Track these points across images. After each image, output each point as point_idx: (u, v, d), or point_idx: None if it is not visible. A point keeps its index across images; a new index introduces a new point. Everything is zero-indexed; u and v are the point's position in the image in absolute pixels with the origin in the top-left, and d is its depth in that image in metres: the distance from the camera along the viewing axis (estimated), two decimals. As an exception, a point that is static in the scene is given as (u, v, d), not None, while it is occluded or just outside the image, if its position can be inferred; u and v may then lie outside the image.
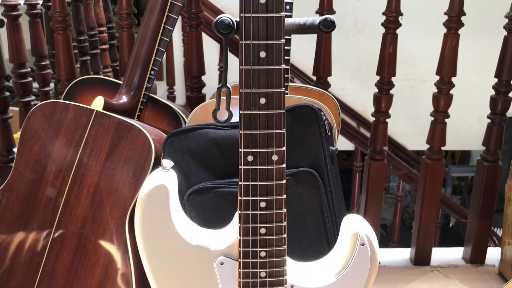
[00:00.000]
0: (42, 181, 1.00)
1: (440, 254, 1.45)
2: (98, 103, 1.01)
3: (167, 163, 0.65)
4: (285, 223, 0.66)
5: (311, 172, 0.92)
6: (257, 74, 0.59)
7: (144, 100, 1.08)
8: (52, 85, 1.43)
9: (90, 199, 0.97)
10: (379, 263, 1.38)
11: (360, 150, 2.46)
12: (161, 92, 2.65)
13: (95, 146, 0.98)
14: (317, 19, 0.66)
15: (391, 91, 1.28)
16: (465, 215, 2.45)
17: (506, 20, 1.24)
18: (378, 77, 1.28)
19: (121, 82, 1.09)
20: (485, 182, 1.33)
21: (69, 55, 1.21)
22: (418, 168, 2.44)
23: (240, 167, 0.63)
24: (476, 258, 1.41)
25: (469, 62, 2.31)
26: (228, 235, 0.69)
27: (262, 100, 0.60)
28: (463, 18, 1.21)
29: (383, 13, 1.22)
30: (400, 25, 1.23)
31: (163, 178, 0.64)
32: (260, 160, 0.63)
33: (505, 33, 1.25)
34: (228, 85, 0.59)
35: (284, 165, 0.64)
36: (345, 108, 2.64)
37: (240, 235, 0.65)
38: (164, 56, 2.65)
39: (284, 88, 0.60)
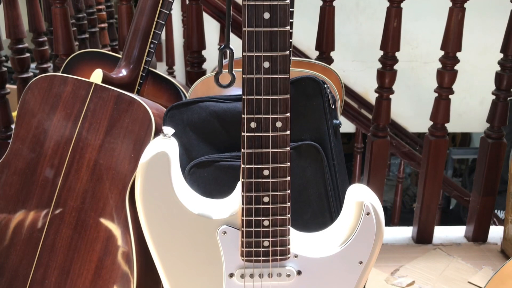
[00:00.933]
0: (40, 156, 0.99)
1: (442, 233, 1.44)
2: (97, 76, 0.99)
3: (168, 130, 0.64)
4: (289, 191, 0.64)
5: (314, 146, 0.91)
6: (260, 37, 0.57)
7: (144, 74, 1.06)
8: (51, 65, 1.41)
9: (89, 173, 0.95)
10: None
11: (362, 132, 2.44)
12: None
13: (94, 120, 0.96)
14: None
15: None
16: (466, 196, 2.45)
17: (508, 1, 1.21)
18: (379, 58, 1.26)
19: (120, 56, 1.06)
20: (488, 160, 1.32)
21: (67, 29, 1.19)
22: (419, 150, 2.42)
23: (243, 134, 0.61)
24: (479, 236, 1.40)
25: (471, 43, 2.28)
26: (231, 204, 0.67)
27: (266, 64, 0.58)
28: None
29: (387, -14, 1.20)
30: (404, -2, 1.21)
31: (164, 145, 0.63)
32: (263, 127, 0.61)
33: (512, 7, 1.23)
34: (231, 46, 0.57)
35: (288, 132, 0.62)
36: (346, 90, 2.61)
37: (243, 204, 0.64)
38: (164, 37, 2.64)
39: (288, 52, 0.58)
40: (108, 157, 0.94)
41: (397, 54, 1.26)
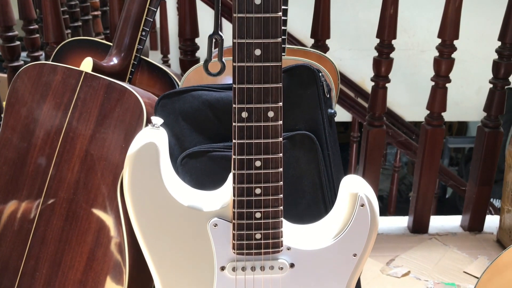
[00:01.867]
0: (30, 146, 0.97)
1: (438, 222, 1.44)
2: (87, 65, 0.97)
3: (157, 120, 0.62)
4: (281, 183, 0.63)
5: (308, 135, 0.89)
6: (251, 23, 0.55)
7: (136, 63, 1.04)
8: (42, 53, 1.38)
9: (80, 164, 0.94)
10: (377, 231, 1.36)
11: (358, 121, 2.43)
12: (155, 61, 2.59)
13: (84, 109, 0.95)
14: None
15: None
16: (463, 185, 2.44)
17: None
18: (376, 46, 1.24)
19: (112, 44, 1.04)
20: (485, 149, 1.31)
21: (57, 16, 1.16)
22: (416, 140, 2.42)
23: (234, 124, 0.59)
24: (474, 225, 1.39)
25: (468, 32, 2.27)
26: (222, 196, 0.66)
27: (257, 52, 0.56)
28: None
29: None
30: (401, -16, 1.19)
31: (153, 136, 0.61)
32: (255, 117, 0.59)
33: (510, -6, 1.21)
34: (220, 33, 0.55)
35: (281, 122, 0.60)
36: (343, 79, 2.59)
37: (234, 196, 0.62)
38: (158, 25, 2.60)
39: (281, 39, 0.56)
40: (99, 147, 0.92)
41: (393, 42, 1.24)
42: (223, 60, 0.58)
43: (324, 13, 1.18)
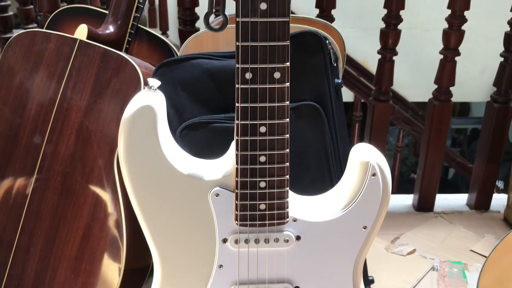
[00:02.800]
0: (23, 118, 0.93)
1: (444, 201, 1.40)
2: (81, 32, 0.92)
3: (153, 82, 0.58)
4: (288, 150, 0.59)
5: (314, 106, 0.85)
6: (257, -27, 0.51)
7: (133, 32, 1.00)
8: (37, 25, 1.33)
9: (75, 136, 0.90)
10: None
11: (361, 101, 2.38)
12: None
13: (79, 78, 0.91)
14: None
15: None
16: (465, 166, 2.41)
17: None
18: (383, 17, 1.19)
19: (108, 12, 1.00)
20: (494, 125, 1.27)
21: (50, -17, 1.11)
22: (419, 121, 2.38)
23: (237, 85, 0.55)
24: (481, 204, 1.36)
25: (473, 10, 2.21)
26: (224, 165, 0.62)
27: (263, 5, 0.52)
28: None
29: None
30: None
31: (150, 99, 0.57)
32: (260, 78, 0.55)
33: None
34: (223, -18, 0.51)
35: (288, 84, 0.56)
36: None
37: (237, 164, 0.58)
38: (157, 1, 2.54)
39: (288, -8, 0.52)
40: (94, 118, 0.89)
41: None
42: (225, 13, 0.54)
43: (329, -19, 1.13)
